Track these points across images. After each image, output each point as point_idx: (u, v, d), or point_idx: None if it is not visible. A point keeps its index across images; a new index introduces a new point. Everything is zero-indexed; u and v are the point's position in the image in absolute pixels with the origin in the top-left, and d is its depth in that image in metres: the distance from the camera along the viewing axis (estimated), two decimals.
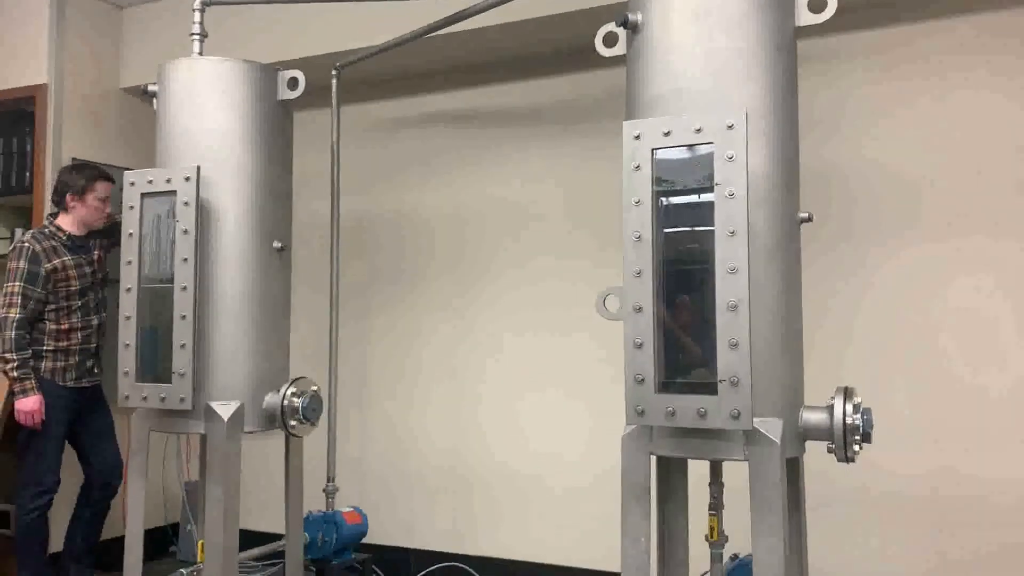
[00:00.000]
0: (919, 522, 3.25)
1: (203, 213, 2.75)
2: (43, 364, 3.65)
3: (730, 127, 1.97)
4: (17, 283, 3.58)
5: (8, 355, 3.54)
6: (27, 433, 3.65)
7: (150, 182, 2.74)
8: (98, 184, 3.75)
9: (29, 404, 3.55)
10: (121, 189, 2.82)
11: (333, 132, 3.98)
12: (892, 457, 3.26)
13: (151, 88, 2.97)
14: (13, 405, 3.60)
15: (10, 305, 3.57)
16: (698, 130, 2.00)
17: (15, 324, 3.55)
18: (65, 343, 3.70)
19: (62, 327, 3.69)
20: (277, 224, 2.94)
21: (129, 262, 2.76)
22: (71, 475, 3.85)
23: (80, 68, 4.31)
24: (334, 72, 3.94)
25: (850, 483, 3.33)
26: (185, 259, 2.67)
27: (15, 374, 3.54)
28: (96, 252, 3.85)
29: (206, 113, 2.83)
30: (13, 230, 4.47)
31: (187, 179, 2.69)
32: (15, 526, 3.80)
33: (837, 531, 3.35)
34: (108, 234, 3.87)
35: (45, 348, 3.66)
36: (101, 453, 3.86)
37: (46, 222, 3.79)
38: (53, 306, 3.67)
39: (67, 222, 3.75)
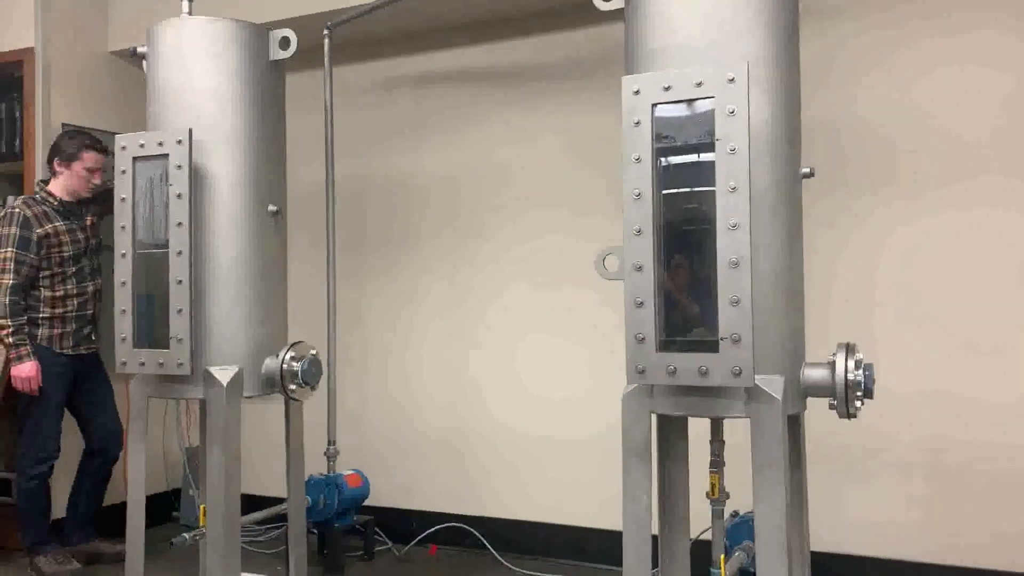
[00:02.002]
0: (918, 477, 3.27)
1: (196, 176, 2.71)
2: (39, 331, 3.64)
3: (731, 80, 1.93)
4: (9, 249, 3.56)
5: (3, 321, 3.53)
6: (26, 401, 3.65)
7: (142, 146, 2.71)
8: (86, 154, 3.71)
9: (25, 370, 3.54)
10: (113, 154, 2.79)
11: (326, 93, 3.93)
12: (886, 413, 3.27)
13: (140, 50, 2.92)
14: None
15: (3, 271, 3.55)
16: (698, 84, 1.97)
17: (9, 290, 3.53)
18: (61, 310, 3.68)
19: (57, 294, 3.67)
20: (271, 186, 2.90)
21: (123, 227, 2.73)
22: (72, 443, 3.86)
23: (67, 32, 4.23)
24: (326, 32, 3.88)
25: (846, 439, 3.34)
26: (179, 224, 2.64)
27: (10, 340, 3.53)
28: (88, 218, 3.82)
29: (197, 74, 2.78)
30: (5, 197, 4.43)
31: (179, 142, 2.65)
32: (16, 493, 3.81)
33: (837, 487, 3.37)
34: (100, 200, 3.84)
35: (41, 315, 3.65)
36: (101, 421, 3.86)
37: (37, 188, 3.76)
38: (47, 272, 3.65)
39: (57, 188, 3.73)
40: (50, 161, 3.74)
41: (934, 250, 3.26)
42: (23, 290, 3.59)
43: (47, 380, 3.62)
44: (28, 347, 3.56)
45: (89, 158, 3.72)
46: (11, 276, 3.55)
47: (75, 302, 3.72)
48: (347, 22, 3.81)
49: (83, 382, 3.81)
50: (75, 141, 3.74)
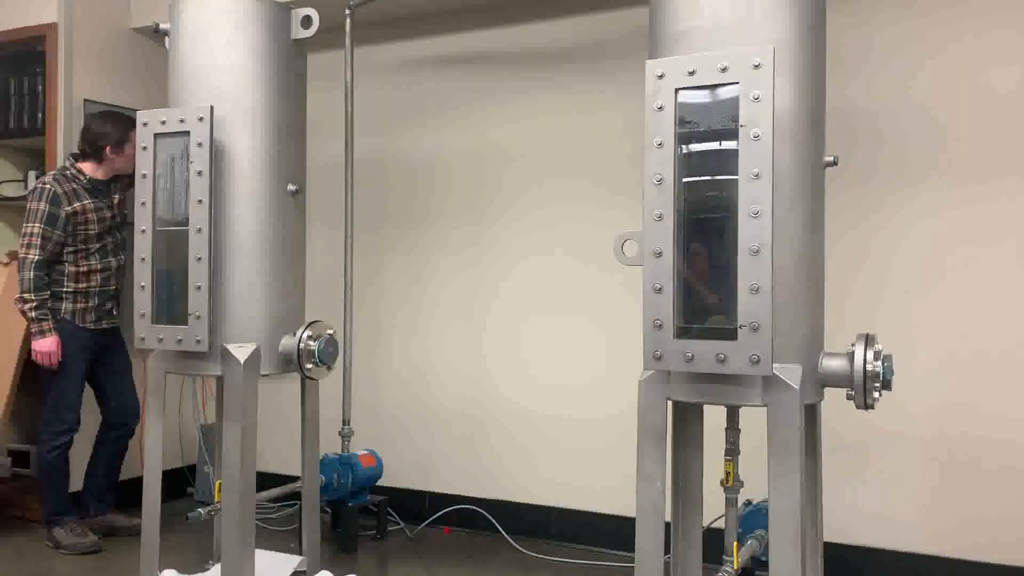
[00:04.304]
0: (933, 470, 3.25)
1: (217, 154, 2.71)
2: (63, 306, 3.68)
3: (757, 66, 1.91)
4: (37, 224, 3.60)
5: (27, 295, 3.57)
6: (49, 374, 3.69)
7: (163, 122, 2.71)
8: (133, 134, 3.75)
9: (46, 345, 3.58)
10: None
11: (347, 72, 3.92)
12: (903, 405, 3.25)
13: (162, 26, 2.92)
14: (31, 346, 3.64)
15: (29, 246, 3.59)
16: (723, 69, 1.95)
17: (34, 265, 3.57)
18: (84, 285, 3.72)
19: (81, 269, 3.71)
20: (291, 164, 2.91)
21: (143, 203, 2.74)
22: (91, 415, 3.90)
23: (90, 7, 4.23)
24: (347, 11, 3.87)
25: (861, 430, 3.32)
26: (200, 200, 2.64)
27: (33, 315, 3.57)
28: (115, 196, 3.85)
29: (218, 51, 2.77)
30: (26, 172, 4.46)
31: (200, 119, 2.65)
32: (36, 464, 3.86)
33: (851, 478, 3.36)
34: (128, 178, 3.86)
35: (65, 290, 3.69)
36: (119, 394, 3.91)
37: (67, 164, 3.78)
38: (71, 248, 3.69)
39: (92, 168, 3.76)
40: (96, 148, 3.74)
41: (960, 244, 3.22)
42: (47, 265, 3.62)
43: (70, 353, 3.66)
44: (50, 322, 3.60)
45: (135, 137, 3.76)
46: (36, 251, 3.59)
47: (98, 277, 3.76)
48: (369, 2, 3.80)
49: (103, 356, 3.85)
50: (120, 125, 3.76)
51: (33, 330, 3.60)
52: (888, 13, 3.34)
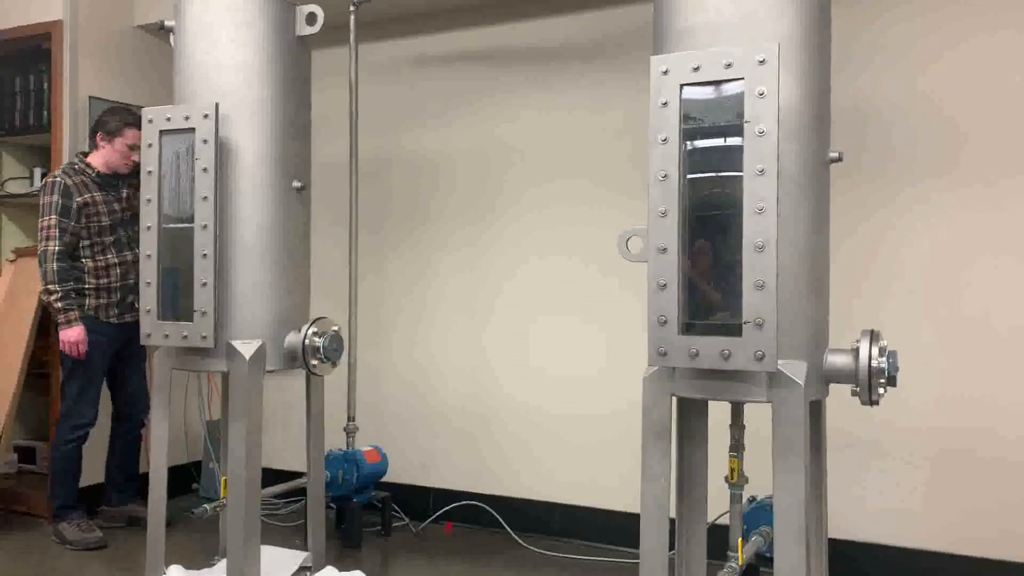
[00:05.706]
0: (937, 467, 3.25)
1: (222, 151, 2.72)
2: (87, 302, 3.71)
3: (761, 62, 1.91)
4: (53, 216, 3.63)
5: (51, 287, 3.60)
6: (70, 367, 3.71)
7: (168, 119, 2.72)
8: (129, 131, 3.75)
9: (73, 335, 3.61)
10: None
11: (351, 70, 3.93)
12: (907, 402, 3.24)
13: (167, 23, 2.93)
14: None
15: (48, 238, 3.62)
16: (728, 65, 1.95)
17: (56, 256, 3.61)
18: (105, 280, 3.76)
19: (99, 264, 3.75)
20: (296, 161, 2.91)
21: (149, 200, 2.75)
22: (107, 411, 3.91)
23: (95, 4, 4.24)
24: (352, 8, 3.87)
25: (865, 427, 3.32)
26: (205, 197, 2.65)
27: (59, 305, 3.60)
28: (125, 191, 3.86)
29: (223, 48, 2.78)
30: (32, 169, 4.47)
31: (206, 116, 2.66)
32: (50, 457, 3.86)
33: (855, 474, 3.36)
34: (137, 176, 3.87)
35: (87, 286, 3.72)
36: (131, 387, 3.94)
37: (76, 158, 3.82)
38: (87, 242, 3.73)
39: (97, 160, 3.78)
40: (93, 134, 3.80)
41: (967, 243, 3.21)
42: (67, 256, 3.65)
43: (93, 348, 3.68)
44: (76, 312, 3.64)
45: (131, 135, 3.74)
46: (56, 243, 3.62)
47: (117, 271, 3.79)
48: None
49: (124, 349, 3.86)
50: (118, 117, 3.79)
51: (60, 320, 3.62)
52: (898, 10, 3.33)
